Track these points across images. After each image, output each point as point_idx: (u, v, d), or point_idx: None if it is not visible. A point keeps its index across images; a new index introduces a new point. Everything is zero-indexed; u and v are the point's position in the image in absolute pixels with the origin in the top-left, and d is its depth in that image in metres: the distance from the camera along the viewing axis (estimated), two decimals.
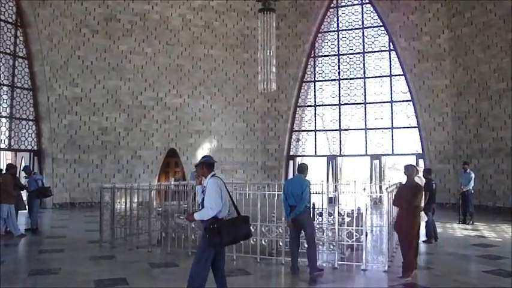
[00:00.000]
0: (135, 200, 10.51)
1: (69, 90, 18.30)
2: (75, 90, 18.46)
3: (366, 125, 20.17)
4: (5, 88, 17.09)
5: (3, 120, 17.00)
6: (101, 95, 18.94)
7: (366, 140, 20.14)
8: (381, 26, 19.98)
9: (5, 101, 17.07)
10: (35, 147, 17.78)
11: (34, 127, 17.81)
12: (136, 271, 7.72)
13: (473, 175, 13.72)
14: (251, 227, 5.91)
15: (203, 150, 20.46)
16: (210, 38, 20.81)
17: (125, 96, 19.38)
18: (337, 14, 21.04)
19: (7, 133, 17.04)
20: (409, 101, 19.27)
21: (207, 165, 5.68)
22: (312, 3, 20.78)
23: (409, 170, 7.52)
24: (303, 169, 7.96)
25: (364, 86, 20.34)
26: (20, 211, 11.95)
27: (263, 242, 8.56)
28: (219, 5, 20.84)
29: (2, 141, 16.89)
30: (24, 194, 12.60)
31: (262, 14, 10.76)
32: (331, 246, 8.26)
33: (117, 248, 9.76)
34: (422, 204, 10.42)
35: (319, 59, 21.34)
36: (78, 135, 18.44)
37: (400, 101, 19.64)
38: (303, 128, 21.52)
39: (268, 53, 11.07)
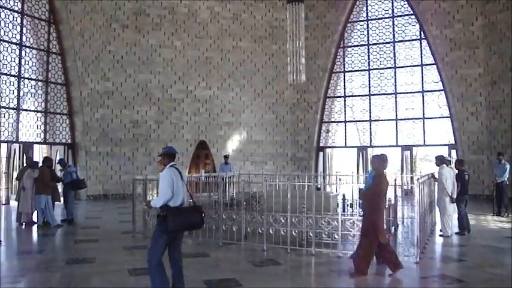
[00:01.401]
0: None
1: (100, 84, 18.62)
2: (107, 84, 18.78)
3: (396, 115, 19.90)
4: (39, 83, 17.51)
5: (39, 114, 17.45)
6: (132, 88, 19.21)
7: (396, 131, 19.89)
8: (411, 15, 19.62)
9: (40, 96, 17.51)
10: (69, 141, 18.20)
11: (68, 121, 18.23)
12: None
13: (508, 166, 13.41)
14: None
15: (233, 142, 20.61)
16: (239, 30, 20.84)
17: (155, 90, 19.61)
18: (367, 3, 20.75)
19: (42, 127, 17.49)
20: (441, 90, 18.91)
21: (167, 155, 5.86)
22: None
23: (375, 162, 7.07)
24: (376, 163, 7.60)
25: (395, 75, 20.04)
26: (56, 203, 12.25)
27: (293, 233, 8.60)
28: None
29: (38, 135, 17.34)
30: (59, 186, 12.91)
31: (291, 5, 10.68)
32: None
33: (150, 238, 9.88)
34: (455, 195, 10.32)
35: (349, 49, 21.12)
36: (110, 128, 18.78)
37: (431, 91, 19.29)
38: (332, 119, 21.39)
39: (297, 44, 11.00)
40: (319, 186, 13.13)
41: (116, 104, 18.92)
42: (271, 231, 8.77)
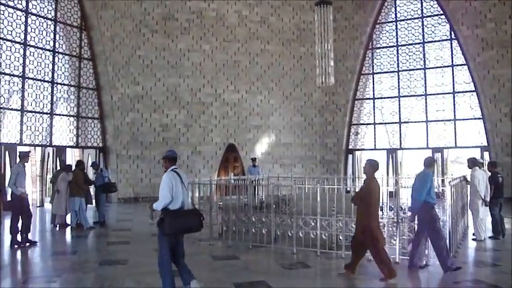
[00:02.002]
0: (196, 195, 10.76)
1: (131, 88, 18.92)
2: (137, 88, 19.06)
3: (426, 117, 19.62)
4: (72, 89, 17.90)
5: (71, 119, 17.83)
6: (161, 92, 19.45)
7: (427, 133, 19.59)
8: (441, 15, 19.33)
9: (72, 100, 17.89)
10: (100, 144, 18.54)
11: (99, 125, 18.57)
12: (198, 263, 7.90)
13: None
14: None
15: (261, 145, 20.65)
16: (267, 33, 20.89)
17: (184, 93, 19.81)
18: (395, 4, 20.55)
19: (75, 131, 17.87)
20: (473, 91, 18.56)
21: (169, 159, 6.08)
22: None
23: (365, 167, 7.16)
24: (429, 163, 7.82)
25: (425, 77, 19.77)
26: (88, 205, 12.49)
27: (323, 236, 8.57)
28: None
29: (70, 139, 17.73)
30: (91, 189, 13.15)
31: (319, 7, 10.66)
32: (392, 241, 8.14)
33: None
34: (488, 198, 10.11)
35: (377, 50, 20.94)
36: (140, 132, 19.05)
37: (462, 92, 18.96)
38: (361, 122, 21.22)
39: (325, 47, 10.97)
40: (348, 189, 13.03)
41: (145, 108, 19.18)
42: (300, 234, 8.76)
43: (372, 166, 7.08)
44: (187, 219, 5.83)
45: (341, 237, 8.39)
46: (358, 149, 21.19)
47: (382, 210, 10.61)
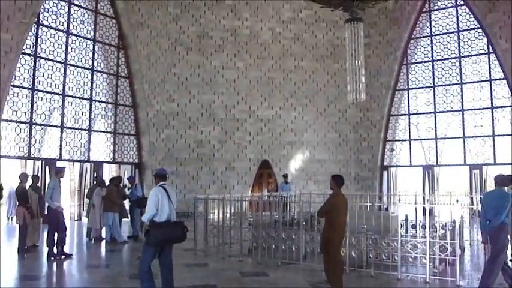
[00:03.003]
0: (228, 211, 10.84)
1: (166, 105, 19.29)
2: (172, 105, 19.42)
3: (464, 133, 19.15)
4: (109, 106, 18.38)
5: (108, 135, 18.28)
6: (196, 109, 19.75)
7: (464, 149, 19.11)
8: (478, 28, 18.95)
9: (109, 117, 18.36)
10: (136, 160, 18.91)
11: (135, 141, 18.97)
12: (227, 279, 7.97)
13: None
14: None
15: (295, 161, 20.62)
16: (300, 49, 20.97)
17: (219, 110, 20.04)
18: (430, 19, 20.29)
19: (111, 147, 18.29)
20: None
21: (158, 176, 6.73)
22: (403, 9, 20.18)
23: (330, 182, 7.25)
24: (506, 181, 7.33)
25: (461, 92, 19.35)
26: (123, 219, 12.75)
27: (352, 254, 8.48)
28: (307, 16, 20.95)
29: (107, 155, 18.16)
30: (126, 204, 13.42)
31: (349, 24, 10.68)
32: (423, 260, 7.99)
33: (210, 256, 10.12)
34: None
35: (412, 66, 20.68)
36: (175, 148, 19.35)
37: (501, 107, 18.46)
38: (396, 138, 20.92)
39: (356, 63, 10.96)
40: (384, 206, 12.88)
41: (180, 124, 19.50)
42: None
43: (335, 181, 7.18)
44: (171, 231, 6.32)
45: (370, 256, 8.29)
46: (394, 166, 20.86)
47: (415, 228, 10.48)
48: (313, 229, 9.38)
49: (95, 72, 17.81)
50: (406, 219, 10.61)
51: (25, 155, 15.43)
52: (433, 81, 20.04)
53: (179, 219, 6.59)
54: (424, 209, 12.63)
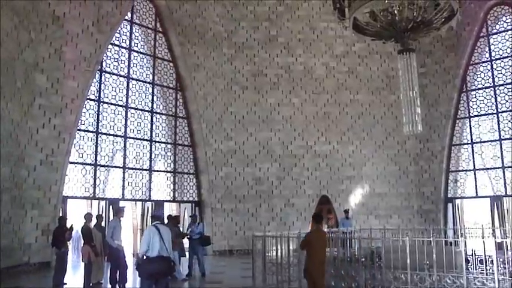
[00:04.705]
0: (286, 248, 10.72)
1: (224, 144, 19.61)
2: (230, 143, 19.72)
3: None
4: (169, 146, 18.91)
5: (168, 174, 18.74)
6: (253, 146, 19.94)
7: None
8: None
9: (169, 157, 18.86)
10: (196, 198, 19.20)
11: (194, 180, 19.32)
12: None
13: None
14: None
15: (355, 195, 20.25)
16: (355, 83, 20.88)
17: (276, 146, 20.14)
18: (489, 43, 19.72)
19: (172, 186, 18.71)
20: None
21: (153, 217, 7.81)
22: (459, 36, 19.69)
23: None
24: None
25: None
26: (181, 257, 12.88)
27: None
28: (361, 49, 20.89)
29: (168, 194, 18.57)
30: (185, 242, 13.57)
31: (402, 55, 10.55)
32: None
33: None
34: None
35: (472, 92, 20.04)
36: (234, 185, 19.53)
37: None
38: (460, 168, 20.15)
39: (411, 94, 10.75)
40: (449, 240, 12.35)
41: (238, 162, 19.72)
42: None
43: (313, 219, 8.20)
44: (158, 265, 7.04)
45: None
46: (459, 197, 20.03)
47: (484, 263, 9.94)
48: (373, 266, 9.09)
49: (154, 114, 18.48)
50: (474, 254, 10.13)
51: (90, 195, 16.12)
52: (496, 108, 19.30)
53: (166, 256, 7.17)
54: (496, 243, 12.00)
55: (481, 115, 19.79)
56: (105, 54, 16.87)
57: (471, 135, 19.89)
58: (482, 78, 19.90)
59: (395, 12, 9.21)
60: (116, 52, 17.53)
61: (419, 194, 20.33)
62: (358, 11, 9.23)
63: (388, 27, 9.60)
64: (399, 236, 11.38)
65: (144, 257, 7.17)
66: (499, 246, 9.20)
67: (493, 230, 16.19)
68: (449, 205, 19.95)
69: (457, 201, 19.98)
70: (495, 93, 19.41)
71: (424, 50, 19.48)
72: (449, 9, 9.35)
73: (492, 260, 8.84)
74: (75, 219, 13.54)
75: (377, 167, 20.57)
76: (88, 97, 16.13)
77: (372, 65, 21.01)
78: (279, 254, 10.48)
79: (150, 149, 18.14)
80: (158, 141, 18.55)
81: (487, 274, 8.07)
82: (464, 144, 20.06)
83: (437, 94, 20.21)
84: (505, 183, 18.77)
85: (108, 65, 17.18)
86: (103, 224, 12.87)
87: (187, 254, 13.41)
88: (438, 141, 20.13)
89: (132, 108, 17.74)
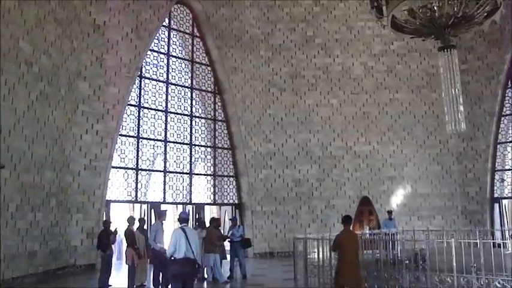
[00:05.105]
0: (328, 250, 10.63)
1: (263, 146, 19.64)
2: (269, 145, 19.73)
3: None
4: (208, 149, 19.07)
5: (208, 177, 18.91)
6: (292, 148, 19.89)
7: None
8: None
9: (208, 160, 19.03)
10: (236, 201, 19.29)
11: (234, 182, 19.42)
12: None
13: None
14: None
15: (397, 196, 19.91)
16: (394, 81, 20.53)
17: (315, 148, 20.02)
18: None
19: (212, 189, 18.87)
20: None
21: (180, 219, 7.96)
22: (503, 29, 18.90)
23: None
24: None
25: None
26: (223, 260, 12.97)
27: None
28: (399, 47, 20.53)
29: (208, 197, 18.73)
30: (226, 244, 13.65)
31: (442, 52, 10.28)
32: None
33: None
34: None
35: None
36: (273, 187, 19.52)
37: None
38: (507, 167, 19.49)
39: (453, 92, 10.47)
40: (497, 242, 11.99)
41: (278, 164, 19.70)
42: None
43: (342, 221, 8.21)
44: (182, 266, 7.31)
45: None
46: (506, 197, 19.36)
47: None
48: (417, 268, 8.90)
49: (193, 117, 18.69)
50: None
51: (132, 199, 16.43)
52: None
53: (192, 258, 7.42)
54: None
55: None
56: (144, 60, 17.19)
57: None
58: None
59: (435, 8, 8.97)
60: (155, 58, 17.84)
61: (463, 194, 19.79)
62: (396, 8, 9.03)
63: (427, 24, 9.37)
64: (444, 238, 11.09)
65: (172, 258, 7.46)
66: None
67: None
68: (496, 205, 19.33)
69: (504, 201, 19.33)
70: None
71: (465, 46, 18.98)
72: (492, 2, 9.04)
73: None
74: (118, 223, 13.82)
75: (419, 167, 20.16)
76: (129, 103, 16.47)
77: (412, 63, 20.61)
78: (321, 256, 10.40)
79: (190, 153, 18.35)
80: (198, 145, 18.76)
81: None
82: (510, 142, 19.41)
83: (480, 91, 19.63)
84: None
85: (147, 71, 17.49)
86: (145, 227, 13.09)
87: (228, 256, 13.45)
88: (482, 140, 19.54)
89: (172, 112, 18.00)
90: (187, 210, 18.25)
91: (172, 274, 7.47)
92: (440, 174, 20.08)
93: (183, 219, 7.94)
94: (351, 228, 8.42)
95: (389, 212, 17.07)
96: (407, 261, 8.84)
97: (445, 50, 10.27)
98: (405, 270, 8.75)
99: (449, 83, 10.67)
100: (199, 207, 18.50)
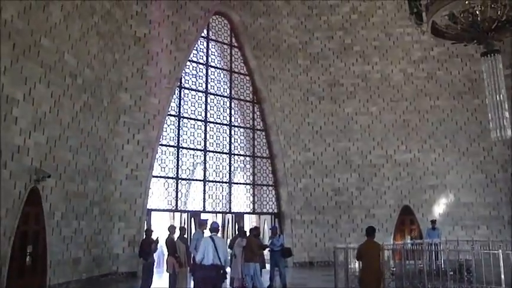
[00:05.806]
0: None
1: (302, 155, 19.60)
2: (308, 154, 19.67)
3: None
4: (247, 158, 19.18)
5: (248, 187, 19.00)
6: (332, 157, 19.76)
7: None
8: None
9: (248, 169, 19.13)
10: (275, 210, 19.28)
11: (273, 192, 19.44)
12: None
13: None
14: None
15: (439, 205, 19.45)
16: (435, 88, 20.14)
17: (355, 156, 19.83)
18: None
19: (251, 198, 18.94)
20: None
21: (210, 229, 8.63)
22: None
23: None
24: None
25: None
26: (262, 269, 12.95)
27: None
28: (440, 53, 20.15)
29: (247, 206, 18.81)
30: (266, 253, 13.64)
31: (485, 57, 10.04)
32: None
33: None
34: None
35: None
36: (313, 196, 19.43)
37: None
38: None
39: (498, 98, 10.20)
40: None
41: (317, 173, 19.60)
42: None
43: (366, 232, 8.61)
44: (208, 272, 7.84)
45: None
46: None
47: None
48: (462, 280, 8.68)
49: (232, 127, 18.84)
50: None
51: (173, 208, 16.66)
52: None
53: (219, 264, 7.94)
54: None
55: None
56: (183, 71, 17.50)
57: None
58: None
59: (477, 12, 8.78)
60: (194, 68, 18.14)
61: (509, 204, 19.15)
62: (437, 14, 8.88)
63: (469, 28, 9.17)
64: (490, 249, 10.79)
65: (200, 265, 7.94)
66: None
67: None
68: None
69: None
70: None
71: (509, 51, 18.48)
72: None
73: None
74: (158, 231, 14.01)
75: (462, 175, 19.65)
76: (169, 113, 16.77)
77: (453, 69, 20.18)
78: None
79: (230, 162, 18.49)
80: (237, 154, 18.90)
81: None
82: None
83: None
84: None
85: (186, 81, 17.78)
86: (185, 235, 13.23)
87: (267, 265, 13.43)
88: None
89: (211, 122, 18.21)
90: (227, 219, 18.44)
91: (199, 278, 8.06)
92: (484, 182, 19.51)
93: (213, 228, 8.55)
94: (375, 240, 8.56)
95: (433, 222, 16.68)
96: (451, 272, 8.63)
97: (489, 55, 10.06)
98: (449, 281, 8.54)
99: (493, 89, 10.41)
100: (239, 216, 18.58)
